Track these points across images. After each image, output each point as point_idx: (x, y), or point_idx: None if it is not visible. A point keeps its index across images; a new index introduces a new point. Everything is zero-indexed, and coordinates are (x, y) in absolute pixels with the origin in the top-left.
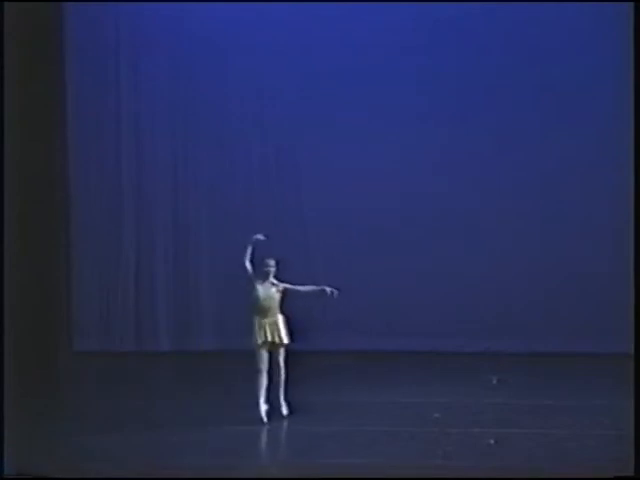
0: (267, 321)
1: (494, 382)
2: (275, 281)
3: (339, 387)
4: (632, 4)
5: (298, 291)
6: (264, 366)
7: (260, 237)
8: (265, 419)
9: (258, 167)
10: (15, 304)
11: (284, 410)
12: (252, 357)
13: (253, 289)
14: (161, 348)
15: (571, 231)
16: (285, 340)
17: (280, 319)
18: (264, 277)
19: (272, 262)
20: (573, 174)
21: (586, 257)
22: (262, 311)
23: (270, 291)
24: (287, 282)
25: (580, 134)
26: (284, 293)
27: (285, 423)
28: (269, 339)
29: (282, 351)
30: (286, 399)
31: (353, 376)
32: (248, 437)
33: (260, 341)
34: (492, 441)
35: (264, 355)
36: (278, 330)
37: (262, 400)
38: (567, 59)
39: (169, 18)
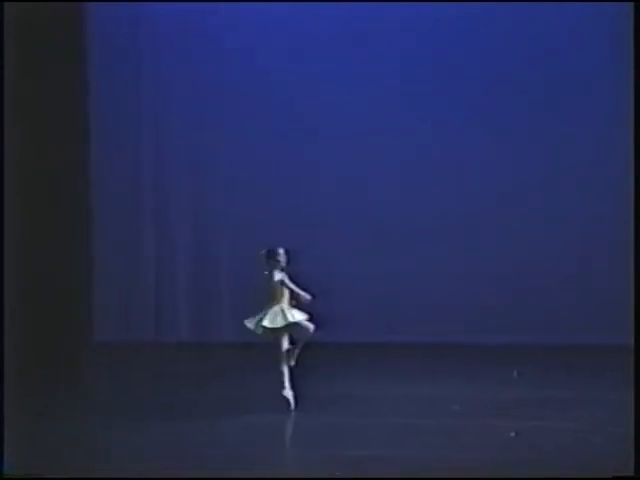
0: (281, 307)
1: (515, 375)
2: (277, 273)
3: (360, 380)
4: (632, 4)
5: (294, 290)
6: (282, 352)
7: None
8: (291, 406)
9: (275, 164)
10: (36, 296)
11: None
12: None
13: (268, 278)
14: (180, 339)
15: (581, 226)
16: (298, 317)
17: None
18: (275, 266)
19: (281, 251)
20: (574, 172)
21: (597, 253)
22: (276, 297)
23: (279, 285)
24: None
25: (580, 134)
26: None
27: (302, 415)
28: (288, 321)
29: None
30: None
31: (374, 369)
32: (263, 429)
33: (280, 325)
34: (513, 434)
35: (283, 340)
36: (293, 313)
37: (287, 386)
38: (567, 59)
39: (190, 16)
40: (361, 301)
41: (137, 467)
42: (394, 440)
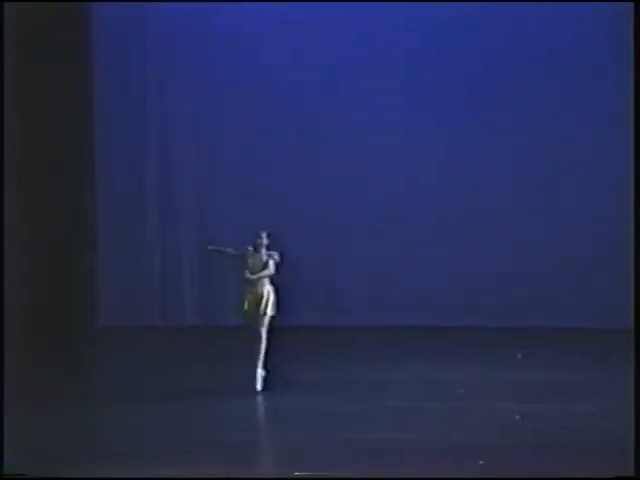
0: (255, 291)
1: (519, 357)
2: (266, 253)
3: (364, 362)
4: (632, 4)
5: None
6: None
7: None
8: (259, 387)
9: (280, 159)
10: (41, 281)
11: (258, 385)
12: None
13: (245, 260)
14: (186, 323)
15: (583, 219)
16: (269, 312)
17: (268, 291)
18: (256, 249)
19: (264, 234)
20: (574, 163)
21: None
22: (251, 282)
23: (261, 263)
24: (277, 257)
25: (580, 133)
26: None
27: (307, 399)
28: (257, 310)
29: (266, 322)
30: (265, 372)
31: (377, 353)
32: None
33: (247, 309)
34: (518, 417)
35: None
36: (265, 301)
37: (259, 367)
38: (567, 59)
39: (193, 16)
40: (365, 286)
41: (139, 452)
42: (399, 424)
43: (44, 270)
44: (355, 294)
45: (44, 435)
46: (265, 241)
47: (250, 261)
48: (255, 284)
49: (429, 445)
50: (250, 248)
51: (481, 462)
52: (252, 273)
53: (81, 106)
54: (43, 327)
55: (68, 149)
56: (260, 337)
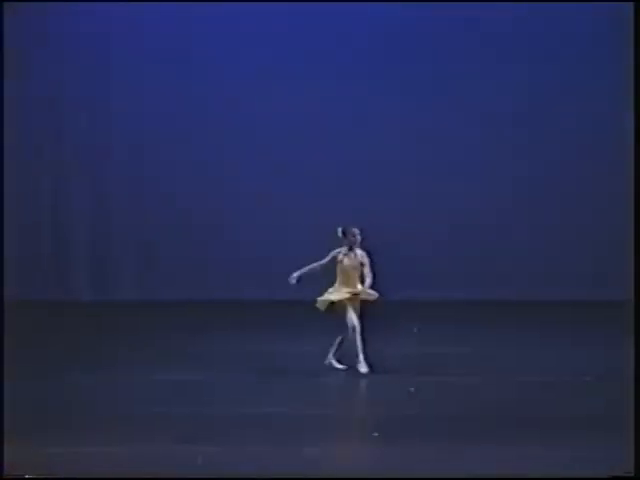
0: (349, 289)
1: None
2: (359, 251)
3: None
4: (632, 4)
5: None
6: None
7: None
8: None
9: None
10: None
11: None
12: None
13: (338, 260)
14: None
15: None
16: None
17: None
18: (349, 246)
19: (357, 231)
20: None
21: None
22: (345, 280)
23: (354, 261)
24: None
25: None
26: (363, 262)
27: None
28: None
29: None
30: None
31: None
32: None
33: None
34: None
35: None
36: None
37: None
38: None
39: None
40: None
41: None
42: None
43: None
44: None
45: None
46: (359, 238)
47: (346, 262)
48: (348, 282)
49: (325, 419)
50: (339, 250)
51: (375, 434)
52: (347, 273)
53: None
54: None
55: None
56: (351, 325)
